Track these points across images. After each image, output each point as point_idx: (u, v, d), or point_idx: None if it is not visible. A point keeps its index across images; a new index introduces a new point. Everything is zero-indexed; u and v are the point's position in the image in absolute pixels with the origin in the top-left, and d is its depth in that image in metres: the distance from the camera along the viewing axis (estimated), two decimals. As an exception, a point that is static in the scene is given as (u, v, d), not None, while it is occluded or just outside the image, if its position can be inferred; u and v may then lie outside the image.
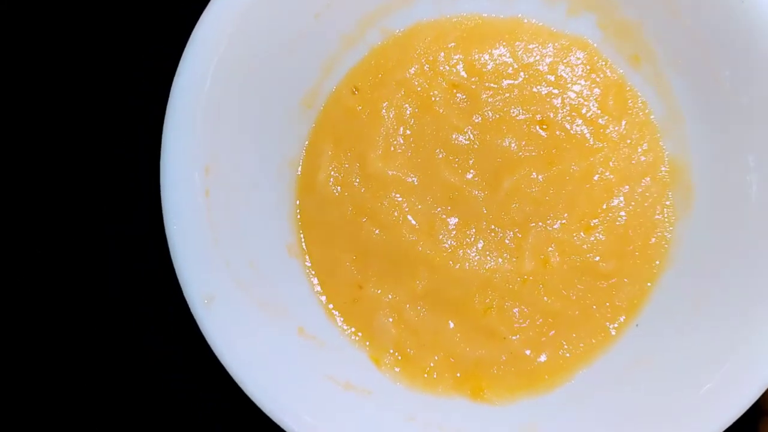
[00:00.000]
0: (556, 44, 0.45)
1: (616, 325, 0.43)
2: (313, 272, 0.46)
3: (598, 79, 0.45)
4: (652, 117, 0.44)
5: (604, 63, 0.45)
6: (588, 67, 0.45)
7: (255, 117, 0.42)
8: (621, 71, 0.44)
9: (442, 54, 0.46)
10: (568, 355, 0.44)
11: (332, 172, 0.46)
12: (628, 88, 0.44)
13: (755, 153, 0.37)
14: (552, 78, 0.45)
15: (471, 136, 0.45)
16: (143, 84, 0.47)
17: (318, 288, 0.46)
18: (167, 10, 0.48)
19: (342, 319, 0.46)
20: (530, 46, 0.46)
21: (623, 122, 0.44)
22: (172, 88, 0.38)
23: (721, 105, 0.39)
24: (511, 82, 0.45)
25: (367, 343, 0.46)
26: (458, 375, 0.45)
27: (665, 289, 0.42)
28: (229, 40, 0.38)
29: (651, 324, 0.42)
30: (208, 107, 0.39)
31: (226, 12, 0.37)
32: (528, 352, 0.45)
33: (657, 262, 0.43)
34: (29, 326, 0.49)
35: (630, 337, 0.43)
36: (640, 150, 0.44)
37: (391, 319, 0.46)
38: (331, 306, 0.46)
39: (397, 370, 0.45)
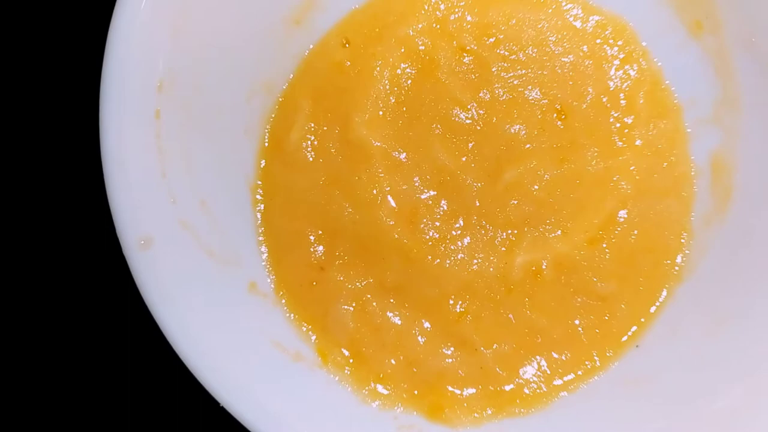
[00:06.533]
0: (590, 20, 0.39)
1: (609, 353, 0.38)
2: (266, 244, 0.40)
3: (631, 71, 0.38)
4: (685, 123, 0.38)
5: (641, 53, 0.38)
6: (622, 55, 0.39)
7: (226, 25, 0.35)
8: (659, 63, 0.38)
9: (456, 12, 0.39)
10: (543, 379, 0.39)
11: (307, 134, 0.39)
12: (663, 86, 0.38)
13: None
14: (579, 61, 0.38)
15: (475, 114, 0.39)
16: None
17: (269, 261, 0.39)
18: None
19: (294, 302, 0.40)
20: (558, 21, 0.39)
21: (651, 125, 0.38)
22: None
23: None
24: (529, 56, 0.39)
25: (314, 338, 0.39)
26: (416, 393, 0.39)
27: (668, 316, 0.37)
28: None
29: (649, 348, 0.37)
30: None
31: None
32: (499, 369, 0.39)
33: (664, 290, 0.38)
34: (28, 322, 0.42)
35: (624, 360, 0.37)
36: (665, 164, 0.38)
37: (351, 309, 0.39)
38: (281, 293, 0.39)
39: (347, 371, 0.39)
